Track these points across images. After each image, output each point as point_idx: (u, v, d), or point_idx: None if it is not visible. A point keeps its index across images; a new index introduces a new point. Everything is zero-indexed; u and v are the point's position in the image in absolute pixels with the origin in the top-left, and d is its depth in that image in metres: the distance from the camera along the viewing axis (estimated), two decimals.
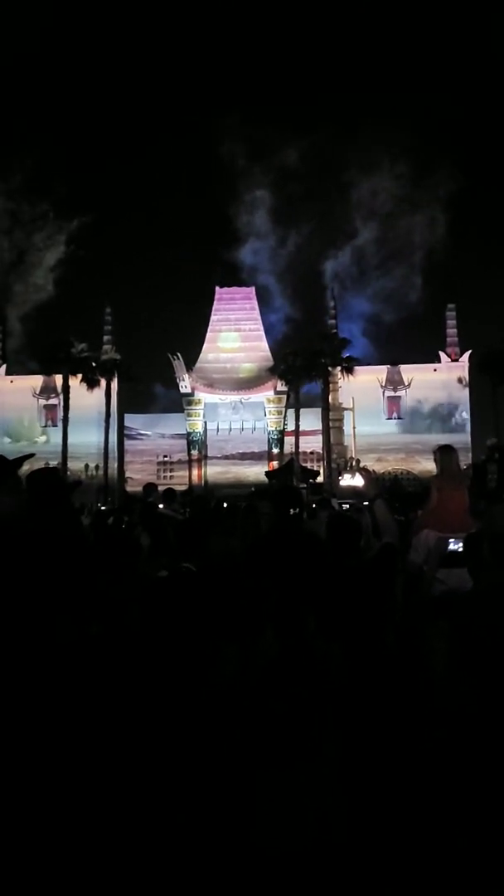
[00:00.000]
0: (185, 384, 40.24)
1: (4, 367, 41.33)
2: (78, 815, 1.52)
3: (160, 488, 8.30)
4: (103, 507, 12.50)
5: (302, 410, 37.18)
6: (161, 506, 6.73)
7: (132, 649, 2.19)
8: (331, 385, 37.27)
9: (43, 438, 39.28)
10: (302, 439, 36.58)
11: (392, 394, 41.01)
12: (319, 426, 37.07)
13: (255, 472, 36.12)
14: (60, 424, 35.84)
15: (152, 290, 54.98)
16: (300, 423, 36.59)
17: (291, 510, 3.42)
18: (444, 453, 4.31)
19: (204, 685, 2.00)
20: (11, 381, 40.79)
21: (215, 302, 42.45)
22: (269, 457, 39.22)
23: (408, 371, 40.95)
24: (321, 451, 36.58)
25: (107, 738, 1.62)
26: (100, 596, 2.03)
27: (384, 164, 42.62)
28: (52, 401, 39.43)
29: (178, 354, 39.73)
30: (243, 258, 44.11)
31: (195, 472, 39.54)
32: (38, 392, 40.47)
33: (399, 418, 40.95)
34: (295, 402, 37.52)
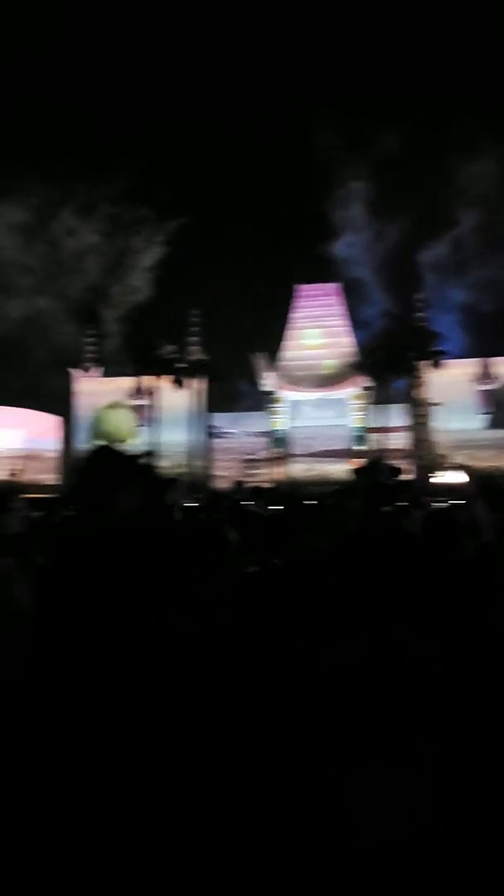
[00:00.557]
0: (269, 382, 40.43)
1: (102, 369, 43.00)
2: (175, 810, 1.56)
3: (246, 486, 8.40)
4: (192, 505, 12.74)
5: (388, 406, 36.52)
6: (247, 503, 6.82)
7: (225, 644, 2.23)
8: (418, 380, 36.39)
9: (137, 439, 40.49)
10: (388, 436, 35.92)
11: (483, 388, 39.53)
12: (406, 422, 36.28)
13: (339, 469, 35.81)
14: (151, 424, 36.90)
15: (238, 288, 55.56)
16: (386, 419, 35.94)
17: (384, 508, 3.38)
18: None
19: (297, 682, 2.02)
20: (108, 383, 42.34)
21: (298, 299, 42.37)
22: (354, 454, 38.77)
23: (500, 364, 39.35)
24: (407, 448, 35.80)
25: (200, 732, 1.65)
26: (193, 591, 2.09)
27: (485, 149, 41.18)
28: (143, 401, 40.69)
29: (262, 353, 40.00)
30: (336, 252, 43.82)
31: (279, 469, 39.66)
32: (130, 393, 41.90)
33: (491, 413, 39.42)
34: (380, 397, 36.92)
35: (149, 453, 1.57)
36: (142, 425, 39.96)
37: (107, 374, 42.76)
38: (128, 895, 1.42)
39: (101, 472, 1.41)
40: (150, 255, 43.48)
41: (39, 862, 1.50)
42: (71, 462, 39.22)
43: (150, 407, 37.66)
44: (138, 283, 43.24)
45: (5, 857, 1.43)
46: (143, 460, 1.56)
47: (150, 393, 37.92)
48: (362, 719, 1.85)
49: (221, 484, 31.59)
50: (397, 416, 36.89)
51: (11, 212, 42.34)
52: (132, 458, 1.52)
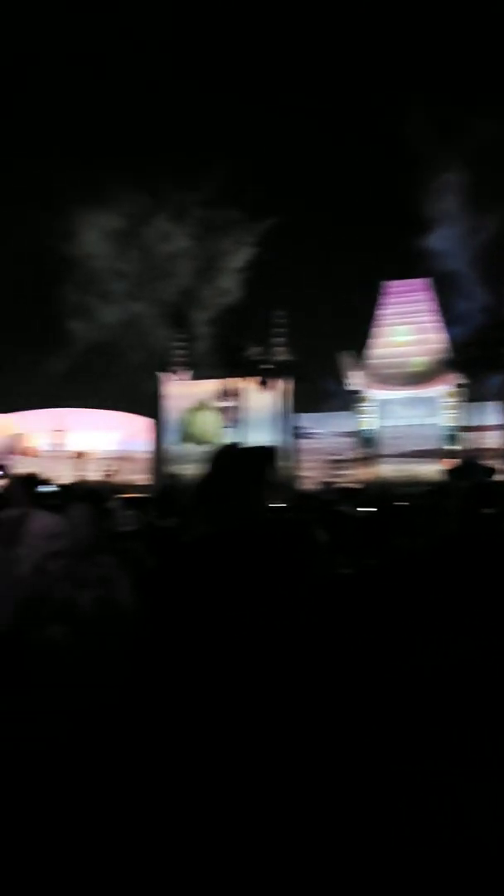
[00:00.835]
0: (355, 381, 39.96)
1: (191, 372, 43.96)
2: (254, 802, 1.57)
3: (334, 486, 8.34)
4: (280, 505, 12.78)
5: (482, 404, 35.22)
6: (339, 504, 6.76)
7: (318, 645, 2.22)
8: None
9: (223, 440, 41.13)
10: (481, 435, 34.63)
11: None
12: (500, 421, 34.87)
13: (430, 470, 34.87)
14: (237, 426, 37.36)
15: (325, 287, 55.33)
16: (479, 418, 34.68)
17: (485, 510, 3.25)
18: None
19: (398, 682, 1.98)
20: (195, 386, 43.23)
21: (385, 296, 41.62)
22: (445, 454, 37.62)
23: None
24: (502, 448, 34.37)
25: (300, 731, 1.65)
26: (286, 592, 2.09)
27: None
28: (229, 403, 41.21)
29: (348, 351, 39.62)
30: (430, 246, 42.79)
31: (367, 470, 39.11)
32: (217, 395, 42.59)
33: None
34: (473, 395, 35.68)
35: (269, 451, 1.57)
36: (228, 427, 40.58)
37: (194, 377, 43.61)
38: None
39: (226, 471, 1.44)
40: (239, 256, 44.02)
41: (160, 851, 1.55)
42: (160, 462, 40.35)
43: (237, 408, 38.12)
44: (228, 285, 43.88)
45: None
46: (263, 459, 1.57)
47: (236, 394, 38.37)
48: (462, 729, 1.80)
49: (307, 485, 31.48)
50: (491, 414, 35.50)
51: (106, 219, 43.95)
52: (254, 457, 1.53)
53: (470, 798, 1.79)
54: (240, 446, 1.63)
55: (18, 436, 41.45)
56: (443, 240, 41.77)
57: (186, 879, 1.48)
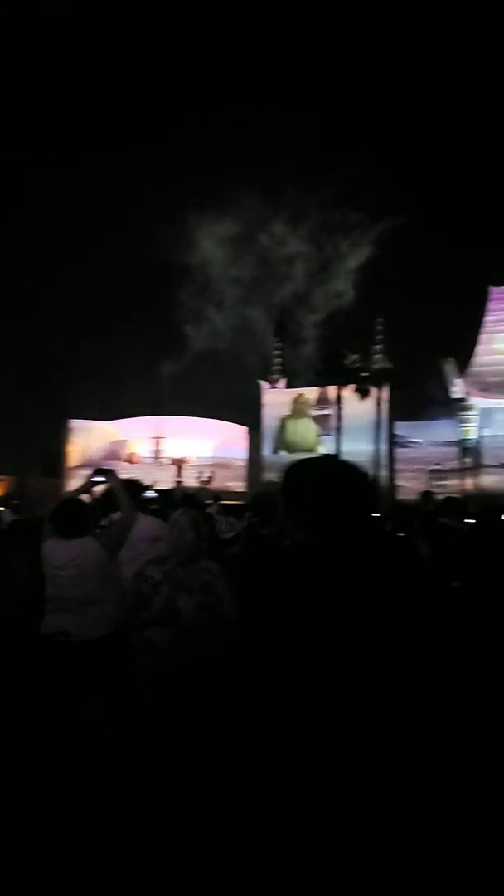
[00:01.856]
0: (458, 389, 38.59)
1: (285, 381, 44.08)
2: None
3: (435, 497, 8.04)
4: (377, 516, 12.52)
5: None
6: (441, 515, 6.51)
7: (422, 659, 2.12)
8: None
9: (320, 448, 40.91)
10: None
11: None
12: None
13: None
14: (335, 434, 37.01)
15: (426, 293, 53.93)
16: None
17: None
18: None
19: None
20: (293, 394, 43.29)
21: (490, 302, 40.00)
22: None
23: None
24: None
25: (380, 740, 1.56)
26: (393, 605, 2.01)
27: None
28: (326, 411, 40.93)
29: (451, 359, 38.33)
30: None
31: (469, 480, 37.60)
32: (314, 403, 42.43)
33: None
34: None
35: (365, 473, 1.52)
36: (326, 435, 40.33)
37: (293, 385, 43.64)
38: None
39: (325, 483, 1.39)
40: (350, 260, 43.53)
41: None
42: (257, 469, 40.68)
43: (334, 416, 37.78)
44: (336, 290, 43.49)
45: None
46: (362, 474, 1.51)
47: (334, 402, 38.07)
48: None
49: (406, 495, 30.66)
50: None
51: (222, 223, 44.64)
52: (354, 471, 1.48)
53: None
54: (338, 459, 1.57)
55: (121, 442, 43.13)
56: None
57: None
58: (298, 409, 42.65)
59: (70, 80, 62.87)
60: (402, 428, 40.96)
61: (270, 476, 36.95)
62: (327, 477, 1.45)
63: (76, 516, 3.39)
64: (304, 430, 42.30)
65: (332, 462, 1.49)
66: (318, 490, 1.44)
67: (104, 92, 65.63)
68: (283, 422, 42.74)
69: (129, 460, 41.41)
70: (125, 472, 5.41)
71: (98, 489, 4.03)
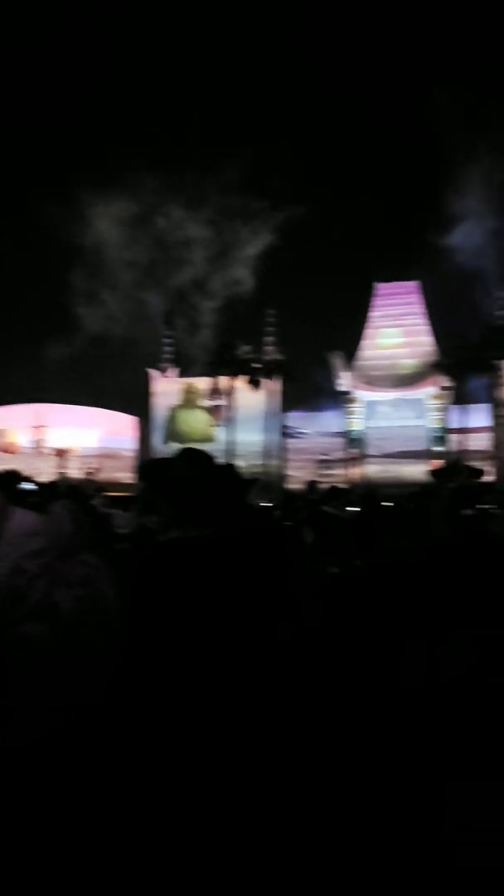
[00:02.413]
0: (345, 382, 40.03)
1: (177, 369, 43.69)
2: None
3: (320, 486, 8.30)
4: (266, 504, 12.74)
5: (467, 407, 35.40)
6: (325, 504, 6.72)
7: (309, 644, 2.18)
8: (500, 379, 35.10)
9: (211, 438, 41.01)
10: (468, 437, 34.81)
11: None
12: (486, 423, 35.08)
13: (417, 471, 34.98)
14: (227, 424, 37.24)
15: (317, 286, 55.27)
16: (466, 420, 34.84)
17: (469, 511, 3.24)
18: None
19: (389, 683, 1.94)
20: (184, 383, 43.01)
21: (375, 298, 41.74)
22: (432, 455, 37.76)
23: None
24: (488, 450, 34.59)
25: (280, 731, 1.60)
26: (284, 592, 2.04)
27: None
28: (219, 401, 41.08)
29: (338, 352, 39.64)
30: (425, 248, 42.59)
31: (354, 470, 39.18)
32: (206, 393, 42.43)
33: None
34: (459, 397, 35.84)
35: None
36: (218, 425, 40.50)
37: (184, 374, 43.39)
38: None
39: (193, 475, 1.39)
40: (245, 249, 43.44)
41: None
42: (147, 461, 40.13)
43: (226, 407, 38.03)
44: (233, 278, 43.28)
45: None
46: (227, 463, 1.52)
47: (226, 393, 38.29)
48: (456, 725, 1.76)
49: (295, 484, 31.47)
50: (478, 416, 35.70)
51: (118, 205, 43.06)
52: (220, 464, 1.48)
53: (469, 796, 1.75)
54: (203, 452, 1.58)
55: None
56: (449, 240, 41.50)
57: (169, 877, 1.43)
58: (189, 399, 42.54)
59: None
60: (292, 419, 41.93)
61: None
62: (195, 471, 1.44)
63: None
64: (195, 421, 42.28)
65: (197, 456, 1.49)
66: (189, 484, 1.43)
67: None
68: (174, 412, 42.46)
69: (8, 450, 39.55)
70: (3, 464, 5.14)
71: None
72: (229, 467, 1.49)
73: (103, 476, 34.32)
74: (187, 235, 44.60)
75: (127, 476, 39.16)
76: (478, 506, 4.09)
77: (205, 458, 1.47)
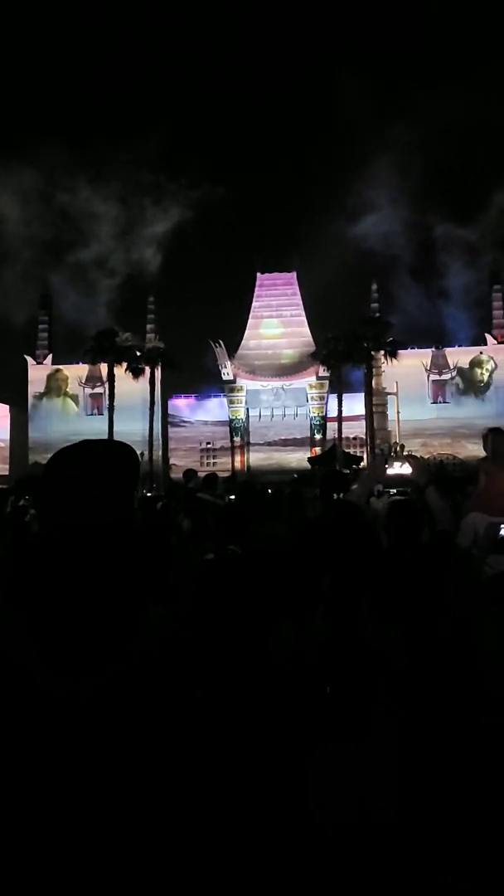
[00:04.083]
0: (227, 371, 40.37)
1: (51, 356, 42.03)
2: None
3: (203, 475, 8.38)
4: (149, 494, 12.67)
5: (345, 396, 36.90)
6: (201, 492, 6.79)
7: (187, 629, 2.22)
8: (374, 370, 36.84)
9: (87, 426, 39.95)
10: (345, 425, 36.32)
11: (437, 377, 40.31)
12: (363, 412, 36.76)
13: (298, 458, 36.06)
14: (106, 413, 36.34)
15: (196, 276, 54.96)
16: (343, 408, 36.32)
17: (336, 495, 3.41)
18: (496, 435, 4.22)
19: (258, 662, 2.02)
20: (61, 371, 41.47)
21: (257, 288, 42.33)
22: (312, 443, 39.08)
23: (453, 354, 40.16)
24: (364, 437, 36.28)
25: (165, 718, 1.63)
26: (158, 580, 2.07)
27: None
28: (98, 389, 40.04)
29: (220, 342, 39.86)
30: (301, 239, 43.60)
31: (238, 458, 39.72)
32: (83, 381, 41.16)
33: (444, 402, 40.23)
34: (337, 387, 37.25)
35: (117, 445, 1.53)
36: (95, 414, 39.42)
37: (61, 362, 41.85)
38: None
39: (72, 465, 1.38)
40: (132, 235, 42.24)
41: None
42: (22, 451, 38.45)
43: (106, 395, 37.12)
44: (114, 263, 41.96)
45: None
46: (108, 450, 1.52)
47: (104, 381, 37.36)
48: (323, 698, 1.87)
49: (178, 473, 31.40)
50: (354, 405, 37.33)
51: (22, 177, 40.15)
52: (101, 450, 1.49)
53: (333, 764, 1.87)
54: (93, 441, 1.58)
55: None
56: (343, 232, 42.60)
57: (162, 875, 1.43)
58: (55, 387, 41.10)
59: None
60: (175, 407, 41.73)
61: (36, 458, 35.17)
62: (71, 462, 1.44)
63: None
64: (71, 409, 40.93)
65: (81, 447, 1.48)
66: (64, 476, 1.43)
67: None
68: (40, 399, 40.81)
69: None
70: None
71: None
72: (117, 456, 1.49)
73: None
74: (70, 214, 42.91)
75: (1, 467, 37.27)
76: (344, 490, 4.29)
77: (88, 449, 1.46)
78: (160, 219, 42.86)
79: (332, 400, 37.89)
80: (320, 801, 1.88)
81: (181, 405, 42.47)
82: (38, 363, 41.99)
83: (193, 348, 42.05)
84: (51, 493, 1.76)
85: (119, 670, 1.54)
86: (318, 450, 36.38)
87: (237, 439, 40.69)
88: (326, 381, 39.09)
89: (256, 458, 39.97)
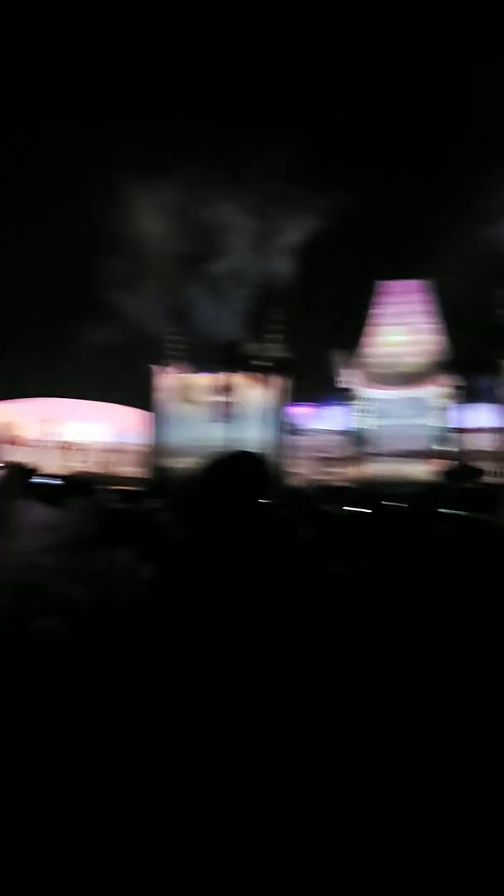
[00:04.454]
0: (348, 379, 40.02)
1: (179, 365, 43.71)
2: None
3: (322, 484, 8.37)
4: (270, 502, 12.79)
5: (472, 406, 35.37)
6: (322, 502, 6.79)
7: (316, 644, 2.26)
8: None
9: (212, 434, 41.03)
10: (471, 437, 34.79)
11: None
12: (490, 423, 35.05)
13: (419, 470, 35.00)
14: (230, 421, 37.19)
15: (320, 284, 55.04)
16: (470, 419, 34.81)
17: (477, 514, 3.32)
18: None
19: (388, 681, 2.03)
20: (189, 379, 42.99)
21: (381, 296, 41.68)
22: (434, 455, 37.77)
23: None
24: (492, 450, 34.58)
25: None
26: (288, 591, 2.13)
27: None
28: (223, 398, 41.06)
29: (342, 349, 39.63)
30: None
31: (357, 468, 39.18)
32: (209, 389, 42.38)
33: None
34: (464, 397, 35.80)
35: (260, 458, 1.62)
36: (220, 422, 40.47)
37: (189, 370, 43.38)
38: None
39: (219, 473, 1.49)
40: (257, 247, 43.18)
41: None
42: (153, 455, 40.26)
43: (230, 403, 38.05)
44: (241, 273, 43.06)
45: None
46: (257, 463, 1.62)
47: (229, 389, 38.32)
48: (459, 722, 1.83)
49: (297, 481, 31.50)
50: (482, 416, 35.69)
51: (161, 193, 42.43)
52: (249, 461, 1.59)
53: (469, 796, 1.82)
54: (234, 450, 1.68)
55: (7, 424, 41.21)
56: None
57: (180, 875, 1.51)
58: (182, 395, 42.56)
59: None
60: (295, 416, 41.92)
61: (167, 462, 36.71)
62: (226, 471, 1.54)
63: None
64: (200, 417, 42.28)
65: (228, 454, 1.59)
66: (218, 483, 1.53)
67: (33, 50, 61.52)
68: (179, 407, 42.48)
69: (17, 443, 39.68)
70: (12, 456, 5.24)
71: None
72: (254, 463, 1.57)
73: (111, 470, 34.41)
74: (202, 229, 44.40)
75: (135, 470, 39.25)
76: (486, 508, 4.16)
77: (240, 460, 1.57)
78: (289, 228, 43.31)
79: (457, 410, 36.45)
80: (458, 837, 1.82)
81: (300, 413, 42.58)
82: (167, 371, 43.82)
83: (316, 356, 42.06)
84: (194, 500, 1.89)
85: (242, 675, 1.62)
86: (441, 463, 35.11)
87: (357, 449, 40.16)
88: (452, 391, 37.70)
89: (376, 468, 39.22)
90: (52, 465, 28.81)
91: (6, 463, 3.80)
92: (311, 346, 45.21)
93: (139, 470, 39.78)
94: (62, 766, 2.39)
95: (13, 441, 40.07)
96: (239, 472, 1.57)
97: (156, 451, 41.02)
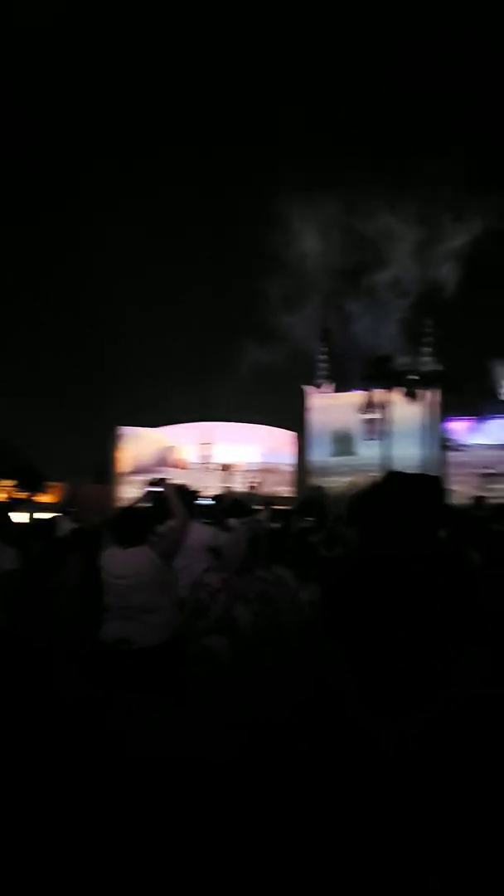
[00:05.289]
0: None
1: (329, 384, 43.85)
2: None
3: (487, 502, 7.88)
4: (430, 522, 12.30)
5: None
6: (493, 521, 6.38)
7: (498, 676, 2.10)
8: None
9: (364, 452, 40.52)
10: None
11: None
12: None
13: None
14: (383, 438, 36.55)
15: (477, 293, 52.58)
16: None
17: None
18: None
19: None
20: (340, 398, 43.00)
21: None
22: None
23: None
24: None
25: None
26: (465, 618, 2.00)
27: None
28: (375, 415, 40.49)
29: (501, 360, 37.47)
30: None
31: None
32: (360, 407, 42.02)
33: None
34: None
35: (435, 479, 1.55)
36: (373, 439, 39.84)
37: (339, 389, 43.32)
38: None
39: (388, 496, 1.44)
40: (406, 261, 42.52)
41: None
42: (304, 474, 40.55)
43: (382, 420, 37.35)
44: (390, 290, 42.62)
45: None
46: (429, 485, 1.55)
47: (381, 406, 37.65)
48: None
49: (458, 500, 30.07)
50: None
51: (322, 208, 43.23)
52: (421, 484, 1.52)
53: None
54: (405, 473, 1.61)
55: (169, 448, 43.60)
56: None
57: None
58: (333, 413, 42.35)
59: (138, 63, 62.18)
60: (453, 431, 40.19)
61: (318, 481, 36.77)
62: (391, 491, 1.48)
63: (134, 526, 3.49)
64: (352, 435, 41.93)
65: (399, 477, 1.53)
66: (381, 507, 1.48)
67: (197, 74, 65.20)
68: (331, 426, 42.48)
69: (178, 466, 41.86)
70: (175, 479, 5.50)
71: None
72: (434, 486, 1.50)
73: (264, 490, 35.17)
74: (362, 241, 44.26)
75: (286, 490, 39.77)
76: None
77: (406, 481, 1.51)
78: (450, 235, 42.02)
79: None
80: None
81: (459, 428, 40.71)
82: (318, 391, 44.08)
83: (473, 368, 40.15)
84: (370, 523, 1.83)
85: (434, 712, 1.52)
86: None
87: None
88: None
89: None
90: (212, 486, 30.00)
91: (174, 486, 3.97)
92: (471, 357, 43.22)
93: (291, 489, 40.23)
94: (228, 784, 2.41)
95: (175, 464, 42.36)
96: (420, 494, 1.50)
97: (307, 471, 41.26)
